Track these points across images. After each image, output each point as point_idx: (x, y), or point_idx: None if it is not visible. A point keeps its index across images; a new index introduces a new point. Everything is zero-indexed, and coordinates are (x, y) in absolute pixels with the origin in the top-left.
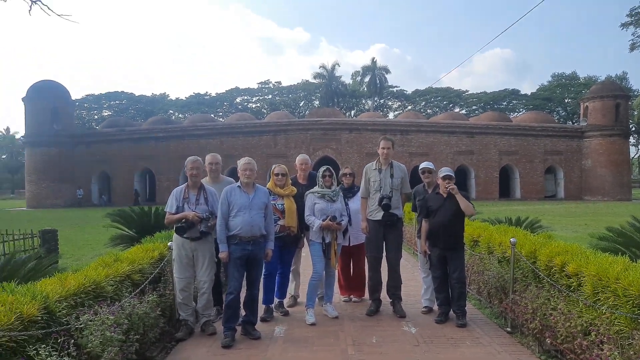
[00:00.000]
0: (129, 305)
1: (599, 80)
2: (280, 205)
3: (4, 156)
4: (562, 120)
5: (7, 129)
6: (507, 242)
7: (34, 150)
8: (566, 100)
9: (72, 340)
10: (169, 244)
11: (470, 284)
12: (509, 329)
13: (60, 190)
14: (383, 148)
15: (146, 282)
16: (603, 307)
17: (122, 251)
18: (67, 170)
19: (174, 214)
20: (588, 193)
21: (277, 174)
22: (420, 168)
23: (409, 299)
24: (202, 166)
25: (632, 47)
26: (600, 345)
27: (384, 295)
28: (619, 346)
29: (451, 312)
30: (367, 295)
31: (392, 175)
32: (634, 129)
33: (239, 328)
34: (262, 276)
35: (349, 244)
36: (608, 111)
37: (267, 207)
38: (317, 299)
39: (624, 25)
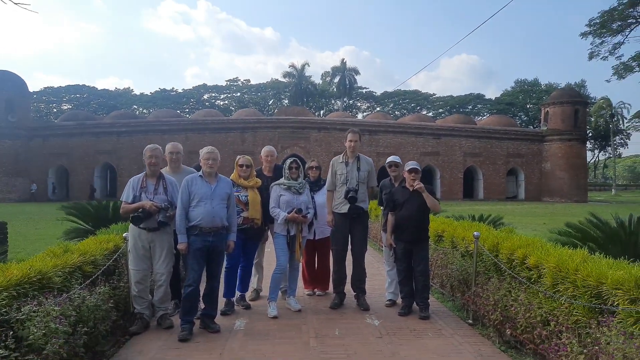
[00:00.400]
0: (78, 297)
1: (559, 87)
2: (243, 197)
3: None
4: (523, 124)
5: None
6: (470, 236)
7: None
8: (528, 106)
9: (11, 332)
10: (124, 234)
11: (434, 278)
12: (470, 321)
13: (15, 184)
14: (350, 141)
15: (98, 274)
16: (562, 298)
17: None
18: (22, 163)
19: (130, 203)
20: (547, 194)
21: (241, 165)
22: (387, 162)
23: (373, 293)
24: (161, 155)
25: (591, 56)
26: (559, 334)
27: (348, 288)
28: (577, 335)
29: (414, 304)
30: (331, 289)
31: (359, 169)
32: (590, 134)
33: (197, 322)
34: (224, 269)
35: (315, 237)
36: (567, 117)
37: (229, 197)
38: (280, 293)
39: (584, 35)
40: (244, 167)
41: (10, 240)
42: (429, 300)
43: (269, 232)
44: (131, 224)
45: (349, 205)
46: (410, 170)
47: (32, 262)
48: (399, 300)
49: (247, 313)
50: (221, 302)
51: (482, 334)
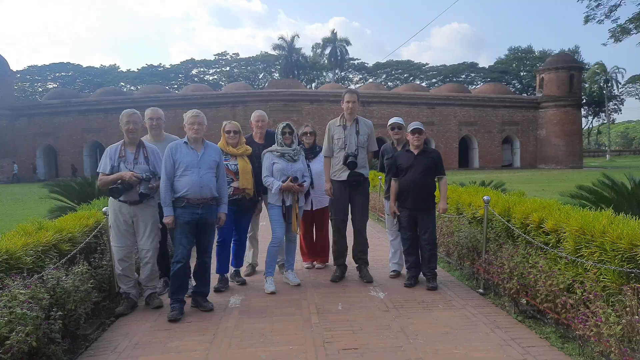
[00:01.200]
0: (52, 278)
1: (553, 54)
2: (233, 166)
3: None
4: (517, 92)
5: None
6: (477, 202)
7: None
8: (522, 74)
9: None
10: (103, 209)
11: (439, 247)
12: (481, 291)
13: (2, 165)
14: (347, 102)
15: (75, 252)
16: (588, 263)
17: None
18: (8, 144)
19: (108, 174)
20: (542, 162)
21: (228, 132)
22: (389, 124)
23: (376, 264)
24: (140, 121)
25: (587, 20)
26: (586, 303)
27: (349, 260)
28: (609, 304)
29: (421, 275)
30: (331, 261)
31: (357, 132)
32: (584, 101)
33: (188, 300)
34: (216, 243)
35: (312, 208)
36: (562, 82)
37: (219, 166)
38: (277, 267)
39: None
40: (232, 134)
41: None
42: (436, 270)
43: (262, 204)
44: (110, 197)
45: (348, 171)
46: (414, 131)
47: None
48: (404, 271)
49: (243, 289)
50: (214, 278)
51: (495, 303)
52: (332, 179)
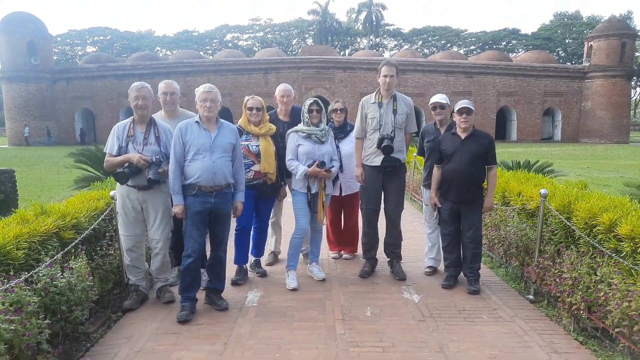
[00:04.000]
0: (45, 276)
1: (602, 21)
2: (254, 147)
3: None
4: (562, 61)
5: None
6: (527, 192)
7: (11, 86)
8: (567, 41)
9: None
10: (111, 193)
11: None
12: (531, 297)
13: (42, 127)
14: (385, 76)
15: (77, 241)
16: None
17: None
18: (48, 107)
19: (115, 155)
20: (585, 135)
21: (250, 108)
22: (430, 103)
23: (409, 256)
24: (150, 95)
25: None
26: None
27: (380, 253)
28: None
29: (461, 274)
30: (359, 251)
31: (395, 111)
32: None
33: (202, 294)
34: (234, 231)
35: (341, 194)
36: (612, 51)
37: (235, 148)
38: (301, 256)
39: None
40: (254, 111)
41: (28, 188)
42: (480, 271)
43: (287, 188)
44: (115, 181)
45: (382, 156)
46: (462, 111)
47: None
48: (441, 267)
49: (263, 282)
50: (232, 269)
51: (549, 316)
52: (363, 164)
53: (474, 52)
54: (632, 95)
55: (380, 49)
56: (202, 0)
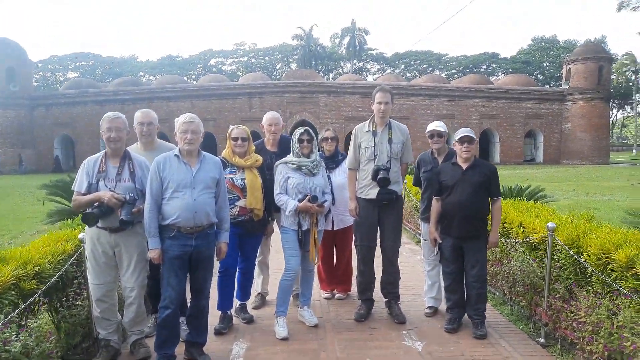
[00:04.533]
0: None
1: (578, 45)
2: (239, 181)
3: None
4: (540, 84)
5: None
6: (529, 223)
7: None
8: (545, 64)
9: None
10: (79, 235)
11: None
12: (542, 341)
13: (21, 155)
14: (380, 102)
15: (38, 294)
16: None
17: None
18: (26, 134)
19: (84, 194)
20: (567, 157)
21: (235, 138)
22: (427, 131)
23: (407, 294)
24: (124, 127)
25: (620, 7)
26: None
27: (376, 292)
28: None
29: (465, 316)
30: (353, 289)
31: (390, 140)
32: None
33: (181, 347)
34: (217, 274)
35: (333, 228)
36: (590, 74)
37: (218, 183)
38: (291, 298)
39: None
40: (239, 141)
41: (0, 220)
42: (485, 312)
43: (274, 224)
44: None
45: (378, 188)
46: (463, 140)
47: None
48: (442, 306)
49: (249, 330)
50: (216, 315)
51: None
52: (357, 197)
53: (455, 75)
54: (610, 117)
55: (364, 73)
56: (186, 25)
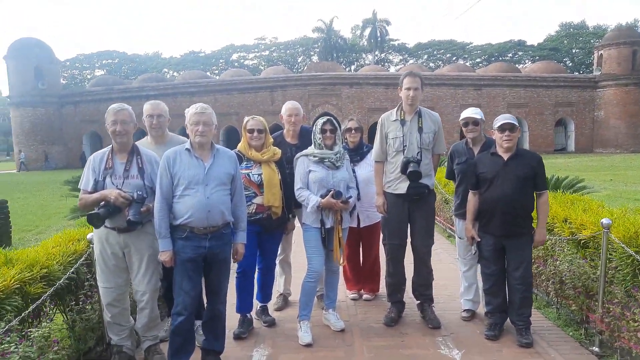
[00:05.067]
0: None
1: (609, 29)
2: (256, 176)
3: None
4: (570, 71)
5: None
6: (576, 218)
7: (19, 111)
8: (574, 51)
9: None
10: (88, 235)
11: None
12: (596, 349)
13: (50, 152)
14: (408, 88)
15: (43, 298)
16: None
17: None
18: (56, 131)
19: (91, 192)
20: (600, 145)
21: (250, 130)
22: (462, 118)
23: (440, 295)
24: (131, 120)
25: None
26: None
27: (407, 293)
28: None
29: (507, 320)
30: (382, 289)
31: (420, 129)
32: None
33: (198, 354)
34: (235, 275)
35: (359, 225)
36: (624, 59)
37: (234, 179)
38: (315, 299)
39: None
40: (255, 133)
41: (28, 216)
42: (530, 317)
43: (295, 221)
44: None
45: (407, 182)
46: (504, 127)
47: None
48: (479, 309)
49: (271, 334)
50: (235, 319)
51: None
52: (385, 191)
53: (480, 64)
54: None
55: (386, 64)
56: (208, 21)
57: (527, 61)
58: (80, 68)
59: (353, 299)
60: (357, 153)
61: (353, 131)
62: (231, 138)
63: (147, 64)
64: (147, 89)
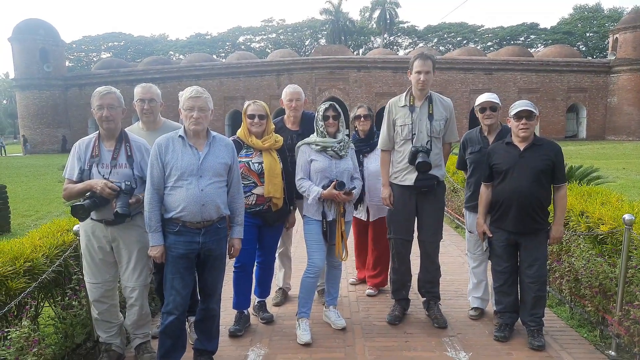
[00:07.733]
0: None
1: (626, 12)
2: (256, 165)
3: (5, 101)
4: (583, 56)
5: (7, 74)
6: (594, 212)
7: (25, 94)
8: (588, 35)
9: None
10: (74, 227)
11: None
12: (612, 353)
13: (56, 134)
14: (419, 72)
15: (23, 294)
16: None
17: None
18: (62, 114)
19: (76, 182)
20: (612, 132)
21: (251, 116)
22: (478, 104)
23: (446, 290)
24: (120, 104)
25: None
26: None
27: (412, 291)
28: None
29: (518, 321)
30: (388, 284)
31: (431, 116)
32: None
33: (190, 353)
34: (233, 269)
35: (368, 219)
36: None
37: (230, 170)
38: (316, 293)
39: None
40: (256, 119)
41: (29, 201)
42: (543, 318)
43: (296, 213)
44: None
45: (416, 173)
46: (520, 115)
47: None
48: (488, 307)
49: (268, 332)
50: (231, 315)
51: None
52: (391, 183)
53: (491, 48)
54: None
55: (395, 47)
56: (215, 3)
57: (539, 45)
58: (86, 50)
59: (352, 284)
60: (367, 143)
61: (362, 119)
62: (236, 122)
63: (153, 46)
64: (152, 71)
